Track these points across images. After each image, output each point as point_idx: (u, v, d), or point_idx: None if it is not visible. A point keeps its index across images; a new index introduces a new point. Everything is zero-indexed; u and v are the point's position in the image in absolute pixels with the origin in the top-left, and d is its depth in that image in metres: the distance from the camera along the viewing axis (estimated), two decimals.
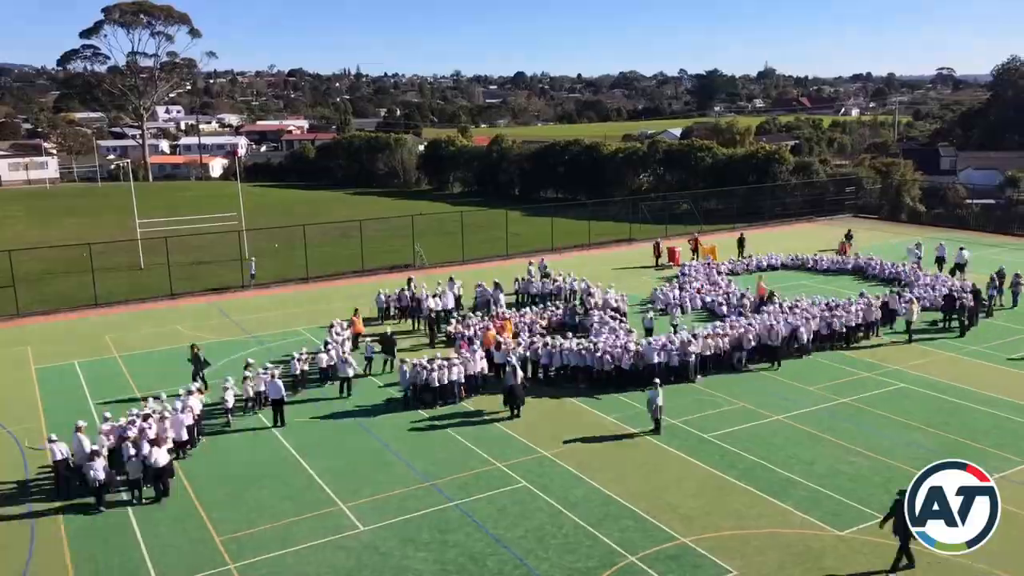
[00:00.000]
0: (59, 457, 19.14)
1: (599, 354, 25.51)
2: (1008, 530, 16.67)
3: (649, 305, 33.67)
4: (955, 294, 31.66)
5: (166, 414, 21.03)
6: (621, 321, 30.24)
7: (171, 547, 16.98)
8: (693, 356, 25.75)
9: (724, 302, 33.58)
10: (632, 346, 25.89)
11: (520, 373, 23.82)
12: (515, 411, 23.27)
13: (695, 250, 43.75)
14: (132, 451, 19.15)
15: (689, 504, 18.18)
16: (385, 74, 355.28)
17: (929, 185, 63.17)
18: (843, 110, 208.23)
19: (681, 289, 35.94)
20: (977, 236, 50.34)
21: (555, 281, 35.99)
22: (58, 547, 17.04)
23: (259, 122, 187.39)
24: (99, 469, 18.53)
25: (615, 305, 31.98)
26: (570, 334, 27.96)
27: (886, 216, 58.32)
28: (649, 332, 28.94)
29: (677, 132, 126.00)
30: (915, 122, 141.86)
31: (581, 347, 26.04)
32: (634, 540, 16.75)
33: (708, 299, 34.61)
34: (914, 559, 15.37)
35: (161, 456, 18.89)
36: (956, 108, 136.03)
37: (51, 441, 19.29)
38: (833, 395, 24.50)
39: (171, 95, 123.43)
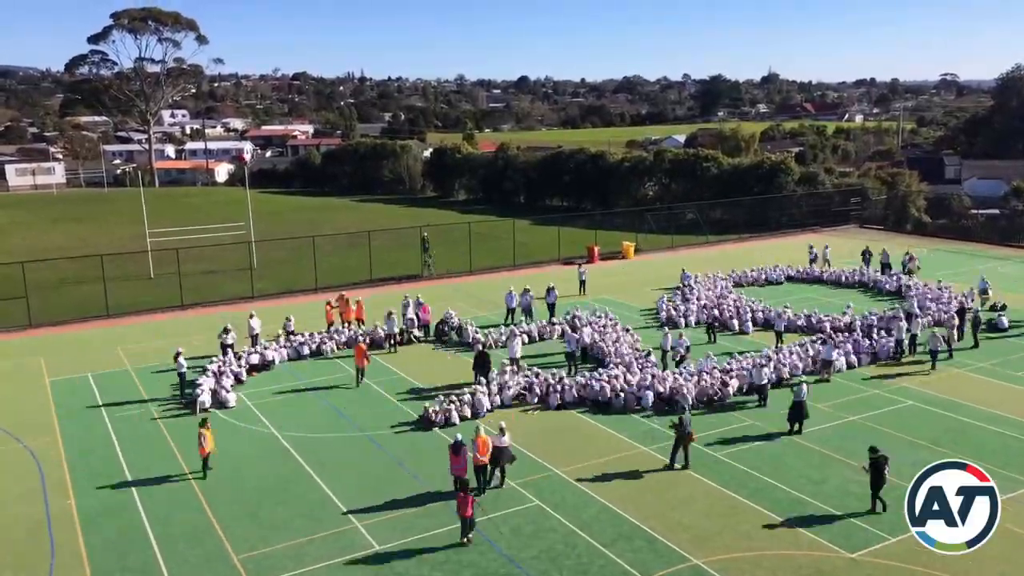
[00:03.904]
0: None
1: (608, 391, 25.60)
2: (1014, 553, 16.90)
3: (666, 328, 33.07)
4: (965, 305, 32.02)
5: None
6: (646, 355, 28.94)
7: (189, 564, 17.21)
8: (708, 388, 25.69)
9: (732, 315, 33.86)
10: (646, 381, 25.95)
11: (806, 388, 23.49)
12: (796, 428, 23.23)
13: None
14: None
15: (700, 524, 18.38)
16: (389, 78, 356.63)
17: (934, 195, 63.32)
18: (847, 116, 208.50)
19: (686, 301, 36.23)
20: (982, 248, 50.51)
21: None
22: (78, 564, 17.28)
23: (264, 127, 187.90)
24: None
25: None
26: (566, 373, 27.61)
27: (891, 227, 58.47)
28: (665, 356, 28.76)
29: (681, 138, 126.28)
30: (919, 128, 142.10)
31: (585, 380, 26.26)
32: (647, 561, 16.95)
33: (715, 313, 34.77)
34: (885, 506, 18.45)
35: None
36: (960, 115, 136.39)
37: None
38: (842, 413, 24.68)
39: (176, 98, 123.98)
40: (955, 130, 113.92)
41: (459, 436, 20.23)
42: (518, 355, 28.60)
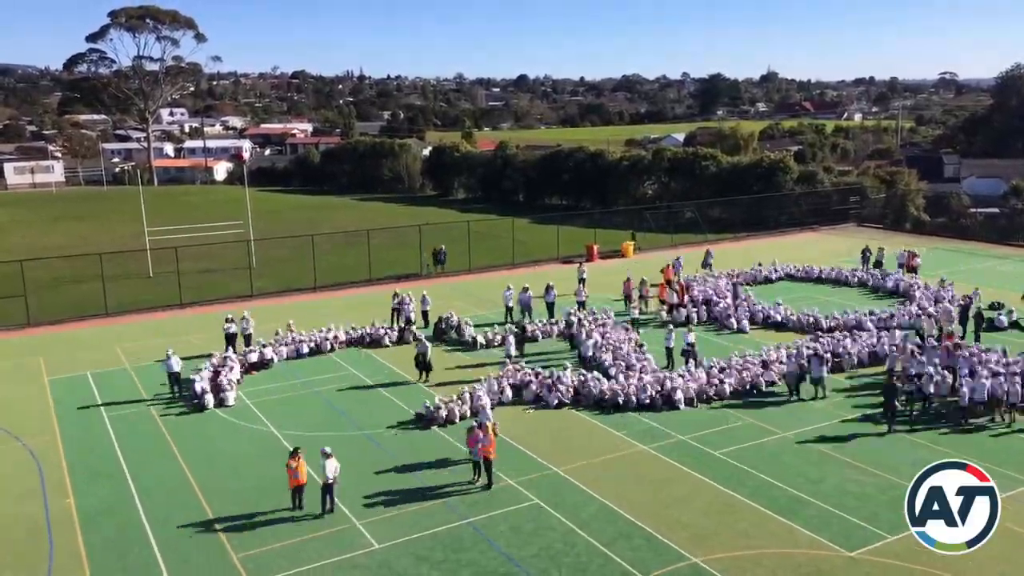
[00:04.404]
0: None
1: (607, 389, 25.59)
2: (1014, 552, 16.91)
3: (670, 324, 32.75)
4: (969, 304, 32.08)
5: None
6: (642, 348, 29.11)
7: (189, 563, 17.22)
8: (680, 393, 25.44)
9: (731, 314, 33.91)
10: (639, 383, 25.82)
11: None
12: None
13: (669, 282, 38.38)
14: None
15: (699, 523, 18.39)
16: (388, 76, 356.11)
17: (933, 194, 63.32)
18: (846, 114, 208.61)
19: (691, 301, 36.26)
20: (982, 247, 50.50)
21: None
22: (77, 564, 17.28)
23: (263, 125, 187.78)
24: None
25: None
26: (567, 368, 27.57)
27: (890, 226, 58.48)
28: (668, 354, 28.71)
29: (680, 137, 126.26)
30: (918, 127, 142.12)
31: (585, 379, 26.28)
32: (646, 560, 16.96)
33: (716, 310, 34.85)
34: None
35: None
36: (959, 113, 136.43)
37: None
38: (839, 411, 24.70)
39: (174, 96, 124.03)
40: (954, 129, 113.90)
41: (476, 421, 21.06)
42: (513, 353, 28.69)
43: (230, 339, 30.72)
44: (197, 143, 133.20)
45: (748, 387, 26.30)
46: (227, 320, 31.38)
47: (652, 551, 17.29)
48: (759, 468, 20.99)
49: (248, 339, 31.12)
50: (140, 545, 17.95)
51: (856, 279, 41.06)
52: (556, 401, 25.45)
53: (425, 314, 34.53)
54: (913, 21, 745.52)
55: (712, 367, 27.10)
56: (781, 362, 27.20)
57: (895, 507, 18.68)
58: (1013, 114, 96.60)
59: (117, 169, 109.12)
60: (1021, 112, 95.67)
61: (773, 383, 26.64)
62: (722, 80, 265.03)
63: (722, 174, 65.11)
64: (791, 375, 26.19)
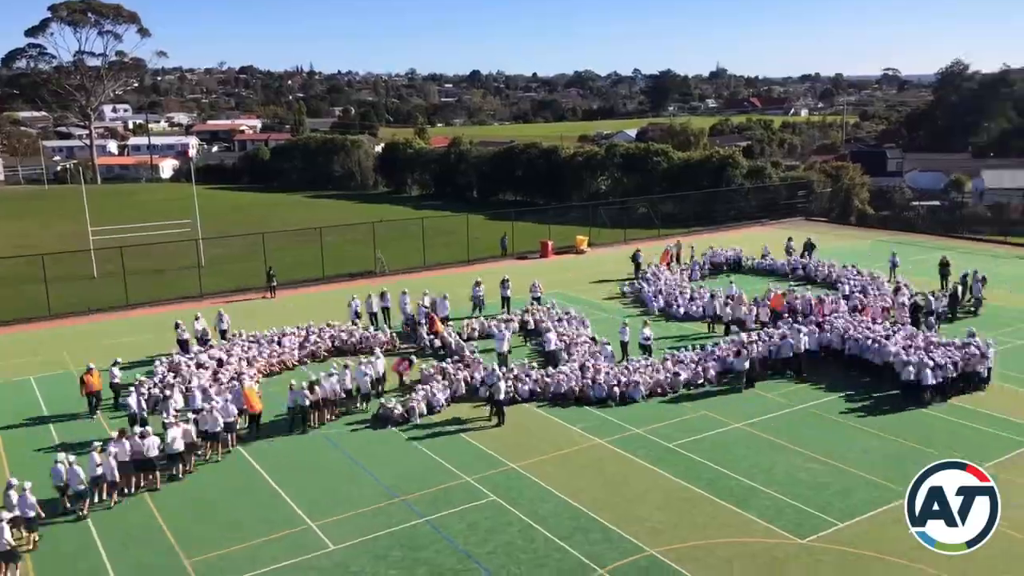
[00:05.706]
0: None
1: (560, 386, 25.65)
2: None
3: (625, 321, 32.25)
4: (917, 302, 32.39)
5: None
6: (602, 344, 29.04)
7: (139, 568, 16.85)
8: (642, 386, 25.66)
9: (684, 304, 34.38)
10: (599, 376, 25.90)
11: None
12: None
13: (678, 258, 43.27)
14: None
15: (656, 516, 18.54)
16: (339, 72, 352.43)
17: (877, 187, 64.82)
18: (793, 110, 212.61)
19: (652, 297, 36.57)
20: (925, 239, 51.79)
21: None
22: (23, 572, 16.76)
23: (210, 121, 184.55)
24: None
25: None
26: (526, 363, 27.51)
27: (836, 219, 59.72)
28: (624, 347, 28.92)
29: (632, 133, 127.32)
30: (862, 123, 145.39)
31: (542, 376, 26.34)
32: (603, 553, 17.06)
33: (674, 303, 35.22)
34: None
35: None
36: (902, 109, 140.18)
37: None
38: (789, 401, 25.14)
39: (118, 92, 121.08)
40: (897, 124, 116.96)
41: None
42: (505, 350, 28.47)
43: (183, 344, 29.92)
44: (142, 140, 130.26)
45: (701, 379, 26.61)
46: (176, 326, 30.32)
47: (609, 544, 17.40)
48: (713, 459, 21.24)
49: (202, 339, 30.43)
50: (88, 551, 17.48)
51: (791, 268, 41.85)
52: (503, 395, 24.37)
53: (386, 311, 34.00)
54: (857, 17, 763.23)
55: (666, 359, 27.36)
56: (737, 353, 27.52)
57: (846, 495, 19.18)
58: (953, 110, 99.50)
59: (59, 167, 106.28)
60: (961, 108, 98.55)
61: (726, 374, 26.97)
62: (672, 76, 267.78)
63: (673, 170, 65.79)
64: (740, 365, 26.59)
